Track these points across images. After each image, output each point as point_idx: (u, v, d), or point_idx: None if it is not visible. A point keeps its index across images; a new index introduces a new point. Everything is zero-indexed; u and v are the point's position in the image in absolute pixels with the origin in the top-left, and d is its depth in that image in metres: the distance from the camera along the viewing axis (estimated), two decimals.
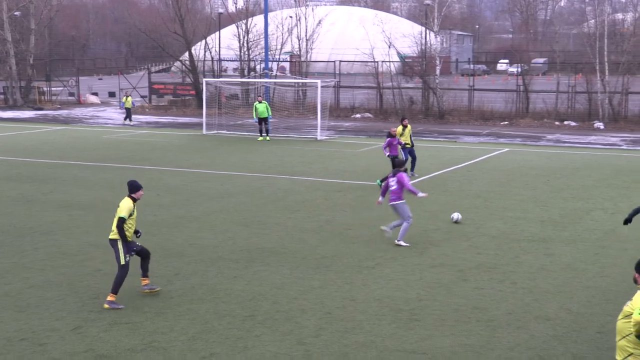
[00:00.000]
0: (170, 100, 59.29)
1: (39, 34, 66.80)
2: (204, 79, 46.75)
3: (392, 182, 17.45)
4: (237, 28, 57.15)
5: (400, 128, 26.92)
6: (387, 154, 24.96)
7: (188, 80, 58.96)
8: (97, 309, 12.99)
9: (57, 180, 26.20)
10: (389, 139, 25.01)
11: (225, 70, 66.58)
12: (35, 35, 63.59)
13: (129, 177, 26.79)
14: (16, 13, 62.98)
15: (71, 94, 65.90)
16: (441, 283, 14.43)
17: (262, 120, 38.08)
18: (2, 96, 64.96)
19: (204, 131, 41.28)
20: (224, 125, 42.84)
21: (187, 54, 58.59)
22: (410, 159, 26.78)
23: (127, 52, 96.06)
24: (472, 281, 14.57)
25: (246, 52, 56.46)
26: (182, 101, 57.97)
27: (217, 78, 54.16)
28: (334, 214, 20.61)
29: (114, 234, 13.13)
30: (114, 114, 55.35)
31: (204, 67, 58.87)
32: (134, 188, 13.31)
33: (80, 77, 68.17)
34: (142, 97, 62.91)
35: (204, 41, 59.40)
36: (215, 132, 41.52)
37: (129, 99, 48.12)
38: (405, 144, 26.58)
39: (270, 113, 38.68)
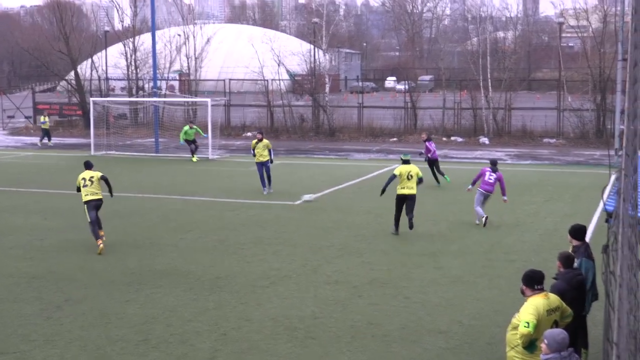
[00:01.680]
0: (56, 120, 57.91)
1: None
2: (91, 99, 45.82)
3: (491, 177, 20.99)
4: (124, 46, 56.38)
5: (254, 141, 27.30)
6: (428, 156, 28.69)
7: (74, 100, 57.76)
8: None
9: None
10: (427, 143, 28.69)
11: (113, 90, 65.58)
12: None
13: (13, 200, 26.04)
14: None
15: None
16: (336, 300, 14.54)
17: (192, 142, 37.65)
18: None
19: (92, 152, 40.47)
20: (113, 146, 42.13)
21: (72, 73, 57.42)
22: (265, 174, 27.19)
23: (9, 71, 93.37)
24: (367, 297, 14.74)
25: (134, 71, 55.75)
26: (69, 122, 56.73)
27: (105, 97, 53.27)
28: (226, 233, 20.51)
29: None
30: None
31: (90, 86, 57.75)
32: (90, 165, 19.34)
33: None
34: (26, 117, 61.16)
35: (90, 60, 58.35)
36: (104, 152, 40.77)
37: (47, 118, 47.31)
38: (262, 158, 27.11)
39: (202, 134, 38.27)
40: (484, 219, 21.19)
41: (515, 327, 8.65)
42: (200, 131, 38.25)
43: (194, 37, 56.08)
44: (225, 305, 14.23)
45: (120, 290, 15.18)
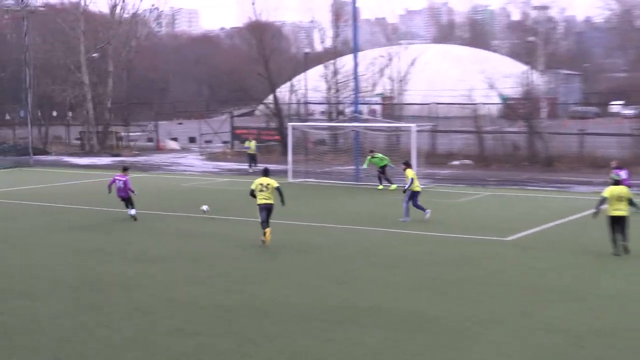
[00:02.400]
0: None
1: (116, 77, 68.72)
2: (290, 123, 47.08)
3: None
4: (325, 68, 57.64)
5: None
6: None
7: (273, 124, 59.61)
8: None
9: (134, 231, 26.62)
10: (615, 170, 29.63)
11: (312, 114, 67.21)
12: (113, 78, 65.44)
13: (208, 227, 27.08)
14: (94, 55, 65.03)
15: (150, 140, 67.42)
16: (554, 350, 13.99)
17: (382, 170, 38.71)
18: (79, 142, 66.85)
19: (290, 179, 41.50)
20: (311, 173, 42.98)
21: (271, 96, 59.34)
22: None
23: (208, 95, 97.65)
24: (589, 348, 14.08)
25: (334, 94, 56.81)
26: (266, 147, 58.44)
27: (304, 122, 54.52)
28: (434, 270, 20.31)
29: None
30: (194, 161, 56.30)
31: (289, 110, 59.42)
32: (268, 172, 24.00)
33: (159, 122, 69.76)
34: (224, 142, 63.96)
35: (289, 83, 60.10)
36: (302, 179, 41.71)
37: (253, 143, 49.58)
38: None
39: (390, 164, 38.98)
40: None
41: None
42: (387, 160, 38.47)
43: (398, 58, 56.54)
44: (432, 349, 14.01)
45: (317, 328, 15.31)
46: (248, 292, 18.12)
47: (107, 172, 47.29)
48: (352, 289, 18.44)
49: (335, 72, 57.04)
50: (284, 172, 44.25)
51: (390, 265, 21.02)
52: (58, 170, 50.42)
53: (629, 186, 28.90)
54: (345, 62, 56.98)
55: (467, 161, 50.04)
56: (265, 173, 23.83)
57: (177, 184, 41.07)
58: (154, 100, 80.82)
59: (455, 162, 50.05)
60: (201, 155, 60.31)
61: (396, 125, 49.53)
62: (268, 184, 23.35)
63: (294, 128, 45.80)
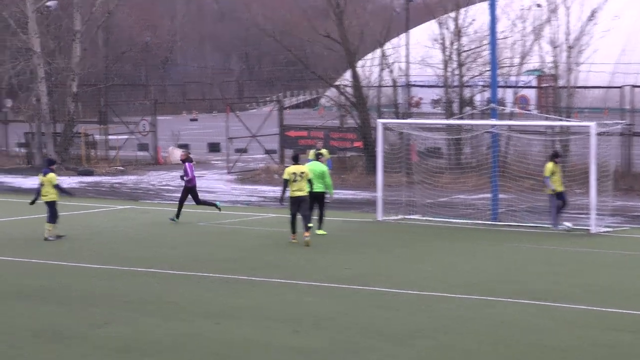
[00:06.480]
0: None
1: (88, 41, 68.93)
2: (379, 120, 46.40)
3: None
4: (440, 27, 57.35)
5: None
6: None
7: (350, 121, 59.26)
8: None
9: (115, 301, 26.52)
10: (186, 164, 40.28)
11: (418, 104, 66.80)
12: (82, 42, 65.50)
13: (236, 294, 26.93)
14: (49, 4, 65.02)
15: (143, 147, 67.53)
16: None
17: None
18: (23, 150, 66.59)
19: (379, 216, 41.17)
20: (416, 206, 42.48)
21: (348, 74, 59.08)
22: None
23: (240, 72, 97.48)
24: None
25: (457, 71, 56.47)
26: (340, 160, 57.87)
27: (403, 119, 53.88)
28: None
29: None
30: (218, 183, 56.48)
31: (378, 98, 59.12)
32: (299, 159, 35.24)
33: (158, 117, 69.88)
34: (267, 152, 63.74)
35: (378, 51, 59.81)
36: (400, 217, 41.40)
37: (324, 153, 46.48)
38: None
39: None
40: None
41: None
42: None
43: (566, 8, 56.03)
44: None
45: None
46: None
47: (69, 202, 47.48)
48: None
49: (459, 33, 56.73)
50: (369, 204, 43.99)
51: None
52: None
53: (194, 186, 40.65)
54: (476, 16, 56.64)
55: None
56: (296, 159, 34.61)
57: (187, 223, 40.87)
58: (151, 81, 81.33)
59: None
60: (229, 173, 60.35)
61: (561, 124, 48.99)
62: (302, 172, 33.78)
63: (386, 128, 45.43)
